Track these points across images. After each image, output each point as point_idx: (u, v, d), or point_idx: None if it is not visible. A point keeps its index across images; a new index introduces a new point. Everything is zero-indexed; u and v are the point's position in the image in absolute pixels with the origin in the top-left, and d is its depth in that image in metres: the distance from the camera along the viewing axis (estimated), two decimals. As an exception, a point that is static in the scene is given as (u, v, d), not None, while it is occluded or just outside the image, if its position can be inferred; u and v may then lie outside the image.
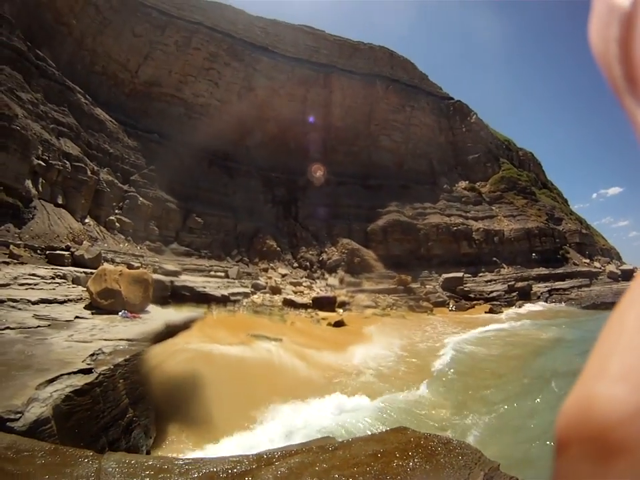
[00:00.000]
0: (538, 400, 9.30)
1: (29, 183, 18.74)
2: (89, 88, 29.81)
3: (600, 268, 41.06)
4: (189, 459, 3.69)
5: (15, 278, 11.78)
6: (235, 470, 3.22)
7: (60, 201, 21.38)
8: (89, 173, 23.56)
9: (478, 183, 48.39)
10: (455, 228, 40.40)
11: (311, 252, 35.72)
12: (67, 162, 22.09)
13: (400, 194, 42.96)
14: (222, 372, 9.11)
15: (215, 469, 3.21)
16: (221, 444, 6.44)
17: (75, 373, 4.69)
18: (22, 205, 18.00)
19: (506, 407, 8.95)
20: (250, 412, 7.73)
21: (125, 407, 5.22)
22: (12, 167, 17.54)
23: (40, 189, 19.86)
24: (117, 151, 28.77)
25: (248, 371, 9.91)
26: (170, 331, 8.37)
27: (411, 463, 4.67)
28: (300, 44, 45.67)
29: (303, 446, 5.50)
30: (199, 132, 36.35)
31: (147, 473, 2.97)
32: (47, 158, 20.49)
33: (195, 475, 3.09)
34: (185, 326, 9.38)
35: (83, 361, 5.12)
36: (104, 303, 9.39)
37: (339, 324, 19.40)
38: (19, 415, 3.57)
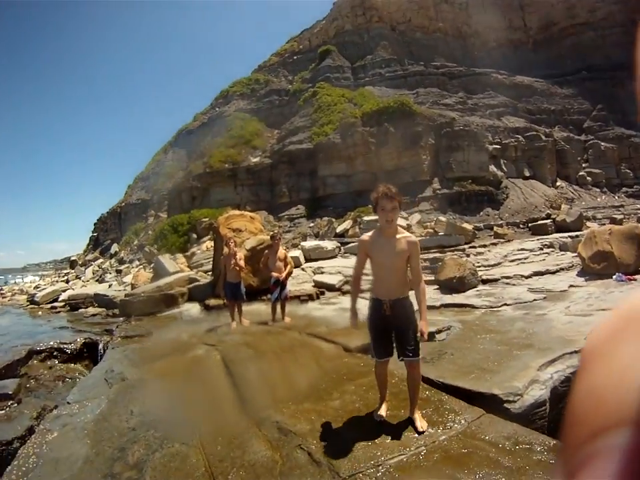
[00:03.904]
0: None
1: (492, 167, 20.44)
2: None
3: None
4: None
5: (505, 256, 12.58)
6: None
7: (527, 174, 22.05)
8: (543, 137, 23.20)
9: None
10: None
11: None
12: (518, 136, 22.65)
13: None
14: None
15: None
16: None
17: (576, 352, 4.35)
18: (493, 189, 19.74)
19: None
20: None
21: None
22: (471, 159, 19.76)
23: (504, 169, 21.26)
24: (556, 106, 26.97)
25: None
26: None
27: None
28: None
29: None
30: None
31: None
32: (499, 140, 21.79)
33: None
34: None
35: (585, 338, 4.51)
36: (597, 268, 8.89)
37: None
38: (518, 397, 3.49)
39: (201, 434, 3.29)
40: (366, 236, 3.19)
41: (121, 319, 9.24)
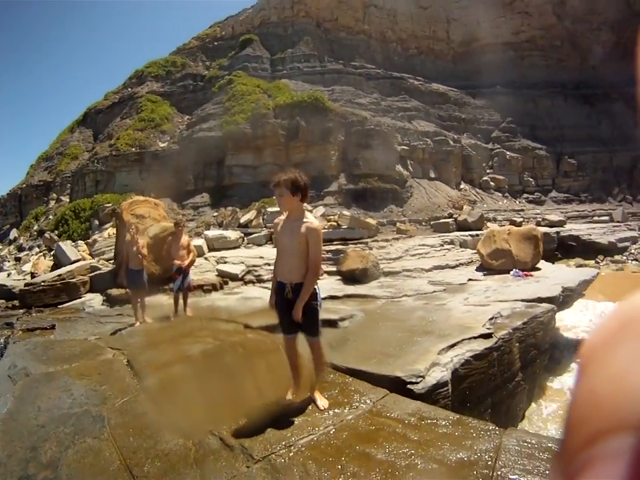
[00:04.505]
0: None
1: (399, 167, 21.11)
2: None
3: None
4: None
5: (407, 250, 13.06)
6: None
7: (432, 175, 23.03)
8: (451, 142, 24.34)
9: None
10: None
11: None
12: (427, 139, 23.59)
13: None
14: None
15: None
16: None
17: (475, 338, 4.73)
18: (398, 187, 20.40)
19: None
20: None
21: (516, 371, 5.18)
22: (379, 158, 20.27)
23: (411, 169, 22.04)
24: (468, 115, 28.41)
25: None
26: (565, 297, 7.38)
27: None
28: None
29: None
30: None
31: (545, 456, 2.54)
32: (408, 142, 22.58)
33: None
34: (581, 291, 8.23)
35: (482, 326, 5.12)
36: (495, 264, 9.50)
37: None
38: (420, 379, 3.70)
39: (111, 427, 3.22)
40: (278, 219, 3.40)
41: (21, 310, 8.69)
